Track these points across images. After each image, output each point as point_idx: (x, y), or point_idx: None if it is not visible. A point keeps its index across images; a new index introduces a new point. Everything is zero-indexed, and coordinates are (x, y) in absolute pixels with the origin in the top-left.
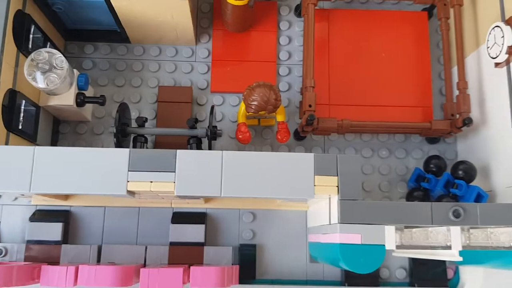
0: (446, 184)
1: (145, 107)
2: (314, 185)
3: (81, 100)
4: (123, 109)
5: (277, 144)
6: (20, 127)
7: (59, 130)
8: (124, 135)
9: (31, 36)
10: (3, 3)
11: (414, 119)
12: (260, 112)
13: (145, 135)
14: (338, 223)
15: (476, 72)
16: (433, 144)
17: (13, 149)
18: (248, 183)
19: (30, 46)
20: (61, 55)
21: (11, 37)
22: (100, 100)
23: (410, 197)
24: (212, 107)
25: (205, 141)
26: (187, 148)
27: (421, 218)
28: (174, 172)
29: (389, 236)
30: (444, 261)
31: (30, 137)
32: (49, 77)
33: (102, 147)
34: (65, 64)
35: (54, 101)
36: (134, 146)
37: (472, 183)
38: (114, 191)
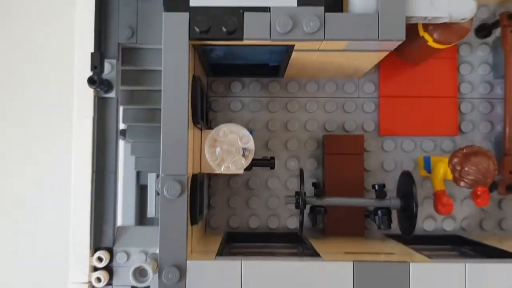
0: None
1: (304, 154)
2: None
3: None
4: (302, 177)
5: None
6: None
7: (210, 184)
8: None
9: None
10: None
11: None
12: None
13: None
14: None
15: None
16: None
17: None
18: None
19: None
20: (245, 130)
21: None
22: (271, 162)
23: None
24: (406, 173)
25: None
26: (370, 219)
27: None
28: None
29: None
30: None
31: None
32: (237, 160)
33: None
34: (251, 143)
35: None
36: (314, 218)
37: None
38: None
